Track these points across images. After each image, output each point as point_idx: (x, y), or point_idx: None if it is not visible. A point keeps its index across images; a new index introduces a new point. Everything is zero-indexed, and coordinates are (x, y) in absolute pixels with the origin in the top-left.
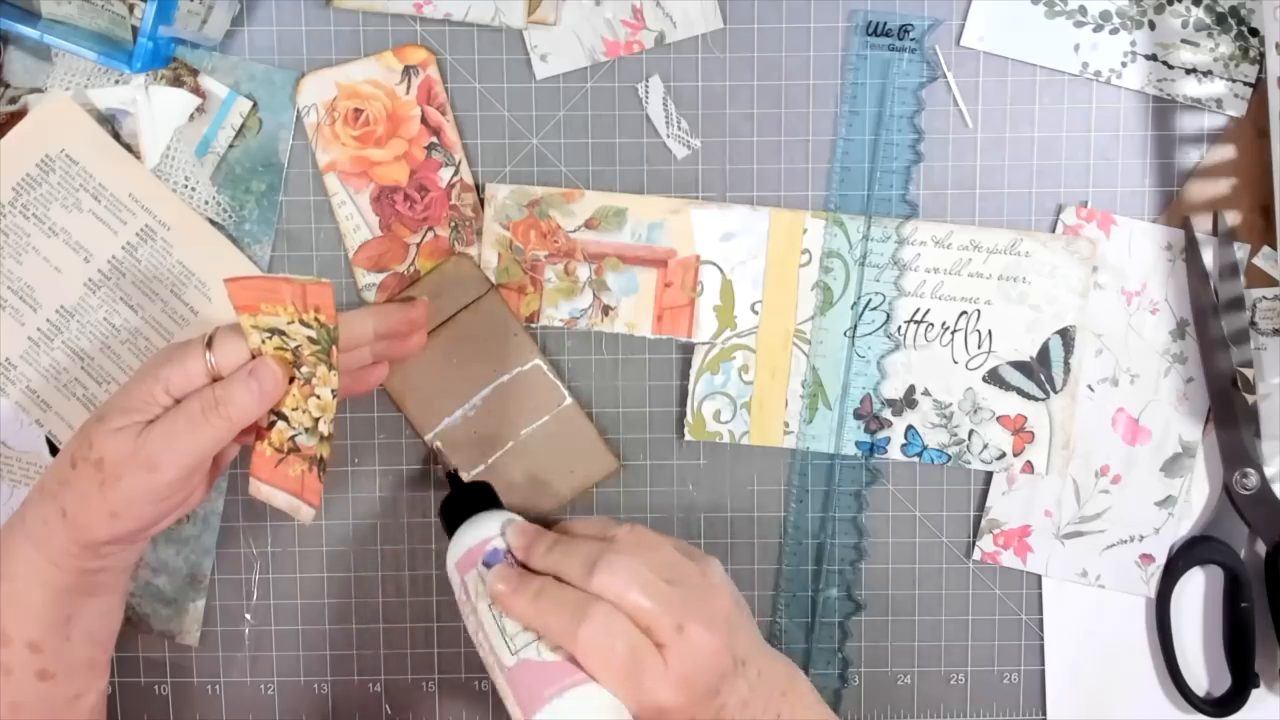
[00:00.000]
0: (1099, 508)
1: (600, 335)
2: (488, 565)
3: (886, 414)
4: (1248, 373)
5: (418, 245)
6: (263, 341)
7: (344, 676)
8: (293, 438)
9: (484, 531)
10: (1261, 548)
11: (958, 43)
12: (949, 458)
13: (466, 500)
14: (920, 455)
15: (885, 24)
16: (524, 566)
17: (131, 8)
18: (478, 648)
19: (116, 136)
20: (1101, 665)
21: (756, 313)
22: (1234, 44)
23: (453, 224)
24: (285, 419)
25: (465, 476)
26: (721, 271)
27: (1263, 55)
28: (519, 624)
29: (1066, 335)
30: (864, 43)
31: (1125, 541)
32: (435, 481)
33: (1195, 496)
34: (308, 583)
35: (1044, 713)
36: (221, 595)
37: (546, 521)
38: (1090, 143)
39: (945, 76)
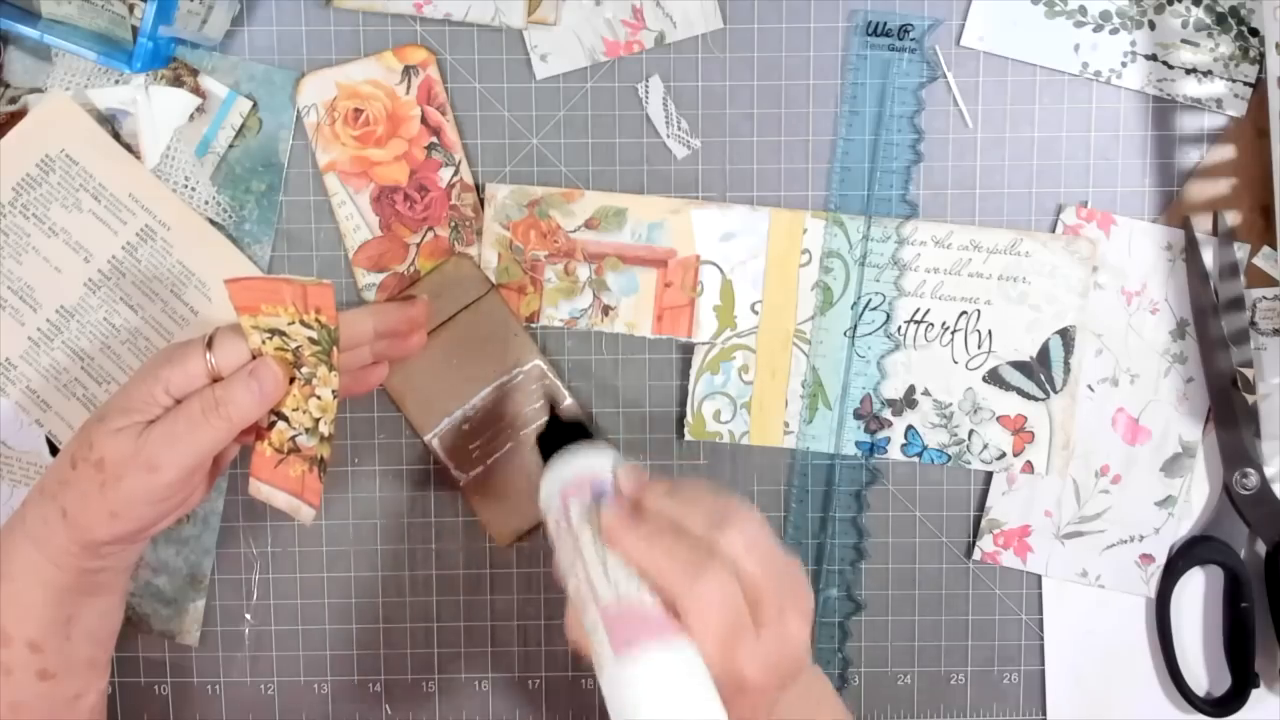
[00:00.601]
0: (1099, 508)
1: (600, 335)
2: (597, 497)
3: (886, 414)
4: (1248, 373)
5: (418, 245)
6: (263, 342)
7: (344, 676)
8: (293, 438)
9: (596, 463)
10: (1261, 548)
11: (958, 43)
12: (949, 458)
13: (568, 432)
14: (920, 455)
15: (885, 24)
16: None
17: (131, 8)
18: (567, 577)
19: (116, 136)
20: (1101, 665)
21: (756, 313)
22: (1234, 44)
23: (453, 224)
24: (285, 419)
25: (464, 478)
26: (721, 271)
27: (1263, 55)
28: (624, 561)
29: (1066, 335)
30: (864, 43)
31: (1125, 541)
32: (435, 482)
33: (1195, 496)
34: (308, 583)
35: (1044, 713)
36: (221, 595)
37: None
38: (1090, 143)
39: (945, 76)
